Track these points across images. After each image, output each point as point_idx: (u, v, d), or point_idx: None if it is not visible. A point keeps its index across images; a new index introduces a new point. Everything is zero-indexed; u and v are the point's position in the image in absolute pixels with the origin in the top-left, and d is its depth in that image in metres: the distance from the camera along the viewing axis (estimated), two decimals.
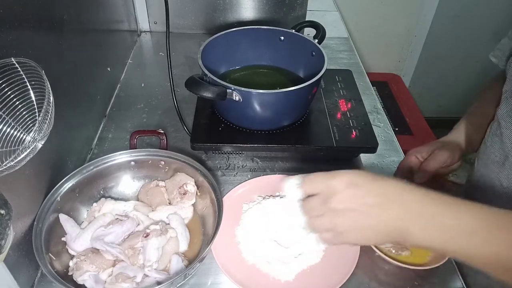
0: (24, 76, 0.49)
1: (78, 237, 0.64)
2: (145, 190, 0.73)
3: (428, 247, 0.50)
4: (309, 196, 0.53)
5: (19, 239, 0.58)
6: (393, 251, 0.68)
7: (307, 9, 1.25)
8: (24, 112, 0.50)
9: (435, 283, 0.66)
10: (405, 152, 0.91)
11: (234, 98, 0.76)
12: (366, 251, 0.68)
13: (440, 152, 0.74)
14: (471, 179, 0.80)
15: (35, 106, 0.50)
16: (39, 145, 0.51)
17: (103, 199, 0.71)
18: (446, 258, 0.64)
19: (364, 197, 0.49)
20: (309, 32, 1.01)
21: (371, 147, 0.84)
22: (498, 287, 0.68)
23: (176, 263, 0.63)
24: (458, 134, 0.80)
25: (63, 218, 0.66)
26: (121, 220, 0.67)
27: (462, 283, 0.66)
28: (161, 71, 1.09)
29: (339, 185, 0.49)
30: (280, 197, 0.75)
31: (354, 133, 0.85)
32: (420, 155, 0.76)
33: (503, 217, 0.48)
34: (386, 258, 0.65)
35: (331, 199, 0.49)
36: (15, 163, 0.47)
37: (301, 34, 0.94)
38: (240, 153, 0.87)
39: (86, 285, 0.60)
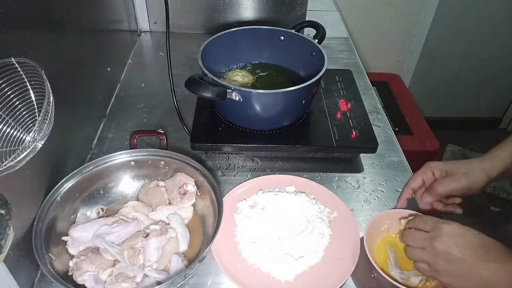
0: (24, 76, 0.49)
1: (80, 224, 0.66)
2: (145, 190, 0.73)
3: None
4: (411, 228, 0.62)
5: (19, 239, 0.58)
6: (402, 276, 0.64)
7: (307, 9, 1.25)
8: (24, 112, 0.50)
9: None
10: (405, 152, 0.91)
11: (234, 98, 0.76)
12: (365, 251, 0.68)
13: (457, 181, 0.67)
14: None
15: (35, 106, 0.51)
16: (39, 145, 0.51)
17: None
18: None
19: (467, 248, 0.55)
20: (309, 32, 1.01)
21: (371, 147, 0.84)
22: None
23: (176, 263, 0.63)
24: (493, 162, 0.68)
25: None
26: (126, 221, 0.67)
27: None
28: (161, 71, 1.09)
29: (447, 228, 0.57)
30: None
31: (354, 133, 0.85)
32: (438, 172, 0.69)
33: None
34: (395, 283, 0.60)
35: (437, 238, 0.57)
36: (15, 163, 0.47)
37: (301, 34, 0.94)
38: (240, 153, 0.87)
39: (86, 285, 0.60)
